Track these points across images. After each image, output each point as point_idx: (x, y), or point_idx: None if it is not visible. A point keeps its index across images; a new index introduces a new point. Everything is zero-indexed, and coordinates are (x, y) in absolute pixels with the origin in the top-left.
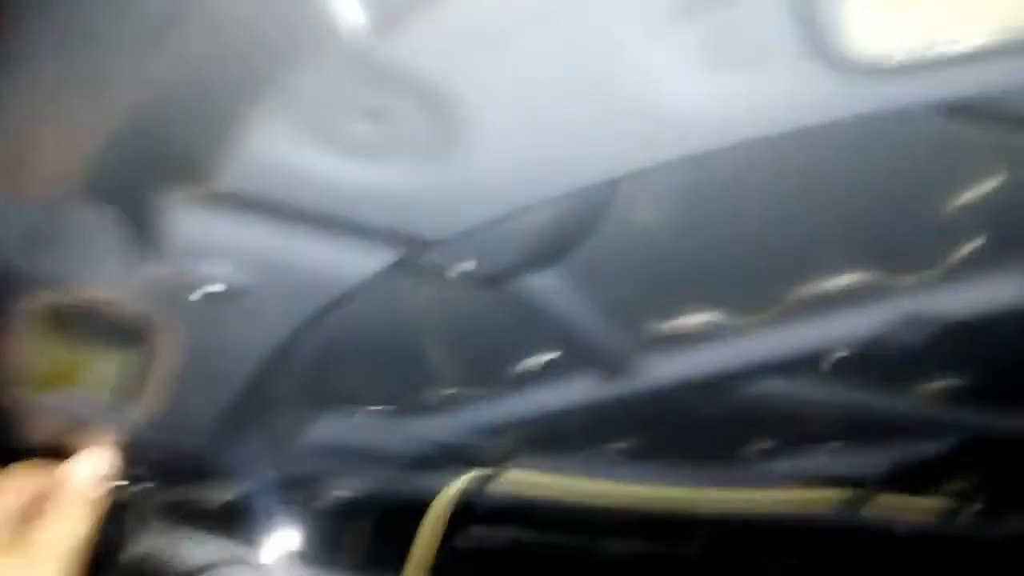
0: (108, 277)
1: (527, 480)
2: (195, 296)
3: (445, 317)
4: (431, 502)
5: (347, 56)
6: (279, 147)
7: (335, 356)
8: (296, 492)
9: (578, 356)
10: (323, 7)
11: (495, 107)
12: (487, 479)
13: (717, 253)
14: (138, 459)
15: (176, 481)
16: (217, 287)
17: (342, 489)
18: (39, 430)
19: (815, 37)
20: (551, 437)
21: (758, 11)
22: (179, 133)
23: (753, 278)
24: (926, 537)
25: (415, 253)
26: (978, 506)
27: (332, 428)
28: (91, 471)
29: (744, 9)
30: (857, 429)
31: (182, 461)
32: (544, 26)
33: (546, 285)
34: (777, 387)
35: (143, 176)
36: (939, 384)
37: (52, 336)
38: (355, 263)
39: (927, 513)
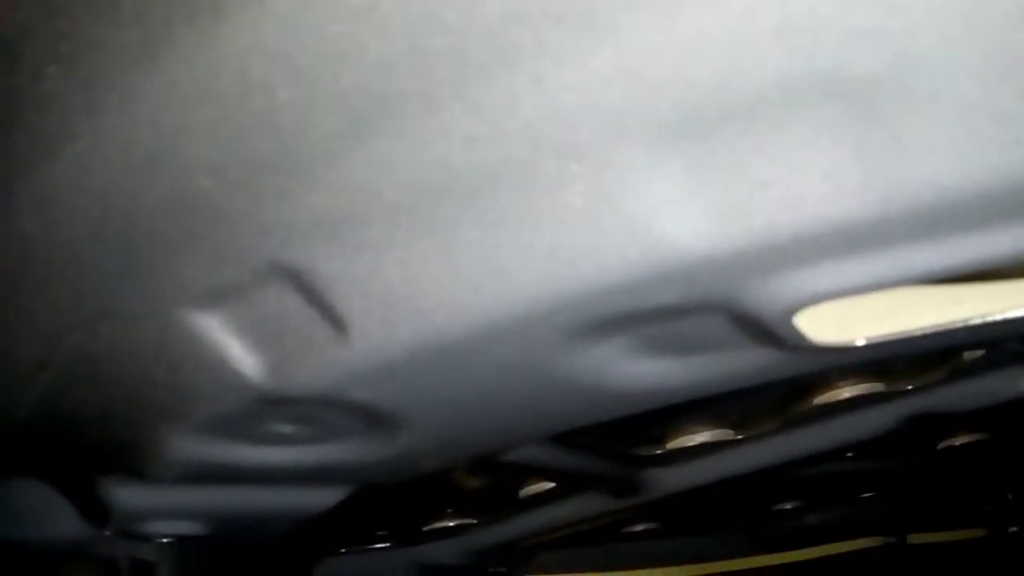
0: (63, 541)
1: None
2: (154, 547)
3: None
4: None
5: (257, 393)
6: (205, 445)
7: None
8: None
9: (579, 483)
10: (223, 358)
11: (418, 410)
12: None
13: None
14: None
15: None
16: (170, 540)
17: None
18: None
19: (765, 333)
20: (566, 537)
21: (703, 321)
22: (108, 430)
23: (751, 400)
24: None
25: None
26: (1013, 528)
27: (338, 566)
28: None
29: (686, 320)
30: (882, 482)
31: None
32: (462, 357)
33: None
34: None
35: (78, 459)
36: (959, 440)
37: None
38: (310, 501)
39: (963, 543)
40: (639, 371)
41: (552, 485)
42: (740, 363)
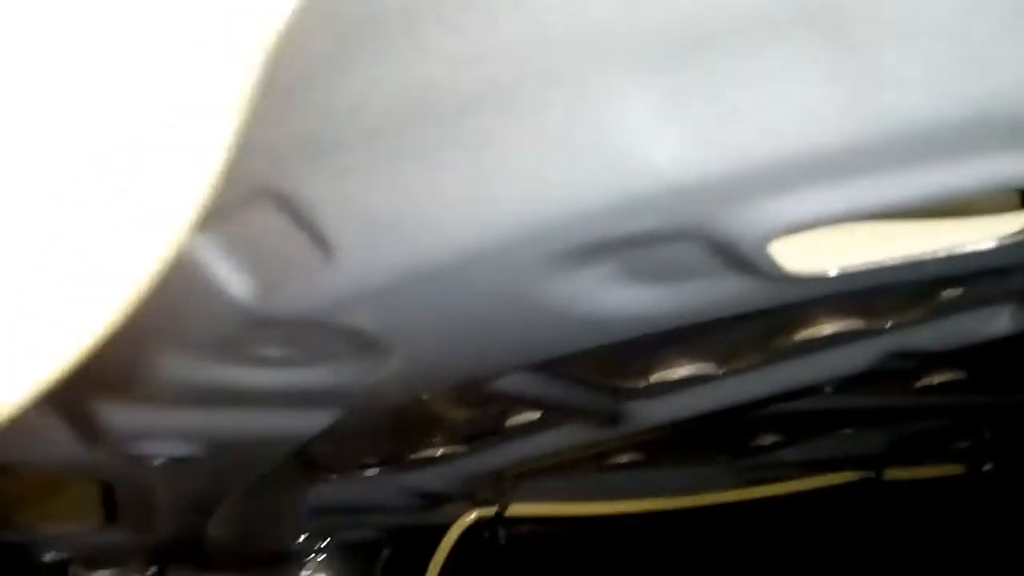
0: (56, 461)
1: (531, 511)
2: (145, 466)
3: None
4: (442, 532)
5: (245, 314)
6: (196, 366)
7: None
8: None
9: (564, 413)
10: (212, 279)
11: (404, 334)
12: (493, 512)
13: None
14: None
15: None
16: (162, 460)
17: (352, 535)
18: None
19: (741, 261)
20: (550, 467)
21: (681, 249)
22: (99, 350)
23: (734, 334)
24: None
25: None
26: (988, 466)
27: (329, 492)
28: None
29: (664, 247)
30: (860, 419)
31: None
32: (446, 281)
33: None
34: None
35: (71, 380)
36: (937, 379)
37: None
38: (301, 425)
39: (939, 480)
40: (619, 298)
41: (538, 415)
42: (718, 292)
